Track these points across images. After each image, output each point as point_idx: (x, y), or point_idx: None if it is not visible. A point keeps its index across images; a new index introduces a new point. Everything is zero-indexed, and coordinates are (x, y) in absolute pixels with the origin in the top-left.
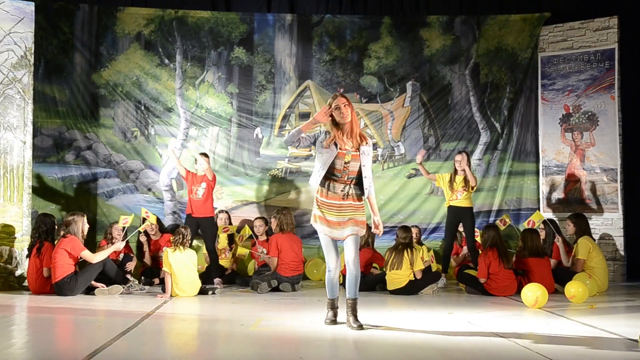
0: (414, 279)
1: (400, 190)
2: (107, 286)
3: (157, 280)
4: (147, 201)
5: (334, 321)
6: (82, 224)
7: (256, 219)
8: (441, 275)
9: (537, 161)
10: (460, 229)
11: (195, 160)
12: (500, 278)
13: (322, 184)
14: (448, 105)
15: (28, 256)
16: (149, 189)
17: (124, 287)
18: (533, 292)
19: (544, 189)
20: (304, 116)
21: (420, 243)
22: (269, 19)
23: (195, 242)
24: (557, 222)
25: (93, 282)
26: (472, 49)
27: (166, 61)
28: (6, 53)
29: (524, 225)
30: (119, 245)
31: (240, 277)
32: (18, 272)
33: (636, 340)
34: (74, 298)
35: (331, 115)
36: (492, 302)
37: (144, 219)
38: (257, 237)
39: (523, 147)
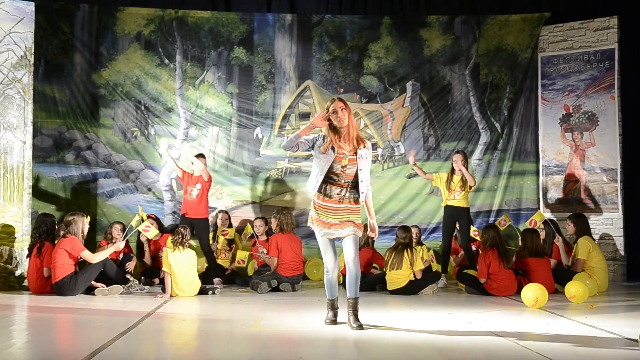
0: (414, 279)
1: (400, 190)
2: (107, 286)
3: (157, 280)
4: (147, 201)
5: (334, 321)
6: (82, 224)
7: (256, 219)
8: (441, 275)
9: (537, 161)
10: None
11: (192, 162)
12: (500, 278)
13: (319, 188)
14: (448, 105)
15: (28, 256)
16: (149, 189)
17: (124, 287)
18: (533, 292)
19: (544, 189)
20: (304, 116)
21: (420, 243)
22: (269, 19)
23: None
24: (557, 222)
25: (93, 282)
26: (472, 49)
27: (166, 61)
28: (6, 53)
29: (526, 224)
30: (119, 245)
31: (240, 277)
32: (18, 272)
33: (636, 340)
34: (74, 298)
35: (329, 120)
36: (492, 302)
37: (143, 219)
38: (257, 237)
39: (523, 147)
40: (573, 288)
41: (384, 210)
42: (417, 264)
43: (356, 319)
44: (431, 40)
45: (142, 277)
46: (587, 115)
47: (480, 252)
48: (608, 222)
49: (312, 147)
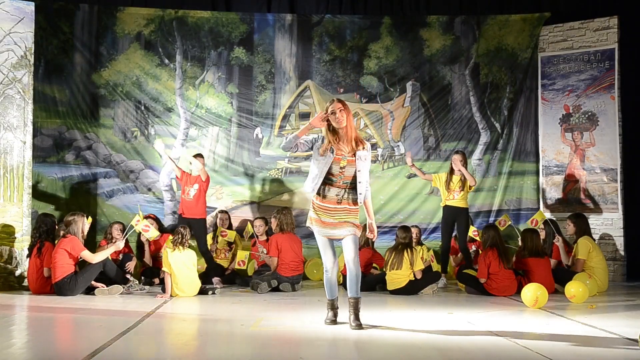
0: (414, 279)
1: (400, 190)
2: (107, 286)
3: (157, 280)
4: (147, 201)
5: (334, 321)
6: (82, 224)
7: (256, 219)
8: (441, 275)
9: (537, 161)
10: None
11: (190, 162)
12: (500, 278)
13: (318, 189)
14: (448, 105)
15: (28, 256)
16: (149, 189)
17: (124, 287)
18: (533, 292)
19: (544, 189)
20: (304, 116)
21: (420, 243)
22: (269, 19)
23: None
24: (557, 222)
25: (93, 282)
26: (472, 49)
27: (166, 61)
28: (6, 53)
29: (528, 224)
30: (119, 244)
31: (240, 277)
32: (18, 272)
33: (636, 340)
34: (74, 298)
35: (328, 120)
36: (492, 302)
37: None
38: (257, 237)
39: (523, 147)
40: (573, 288)
41: (384, 210)
42: (417, 264)
43: (356, 318)
44: (431, 40)
45: (142, 277)
46: (587, 115)
47: (480, 252)
48: (608, 222)
49: (312, 148)
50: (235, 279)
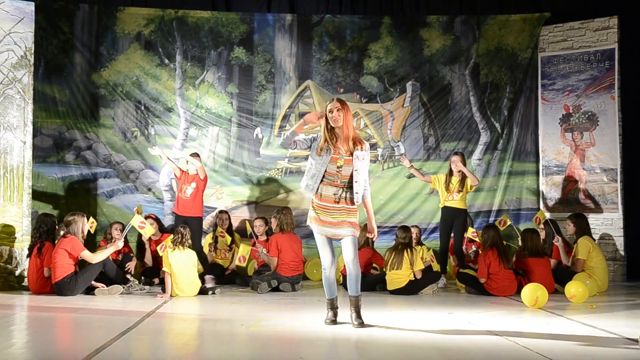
0: (414, 279)
1: (400, 190)
2: (107, 286)
3: (157, 280)
4: (147, 201)
5: (334, 321)
6: (82, 224)
7: (256, 219)
8: (441, 275)
9: (537, 161)
10: None
11: (186, 161)
12: (500, 278)
13: (316, 188)
14: (448, 105)
15: (29, 256)
16: (149, 189)
17: (124, 287)
18: (533, 292)
19: (544, 189)
20: (304, 116)
21: (420, 243)
22: (269, 19)
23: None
24: (557, 222)
25: (93, 282)
26: (472, 49)
27: (166, 61)
28: (6, 53)
29: (533, 222)
30: (119, 244)
31: (240, 277)
32: (18, 272)
33: (636, 340)
34: (74, 298)
35: (326, 119)
36: (492, 302)
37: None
38: (257, 237)
39: (523, 147)
40: (573, 288)
41: (384, 210)
42: (417, 264)
43: (358, 316)
44: (431, 40)
45: (142, 277)
46: (587, 115)
47: (480, 252)
48: (608, 222)
49: (310, 147)
50: (235, 279)
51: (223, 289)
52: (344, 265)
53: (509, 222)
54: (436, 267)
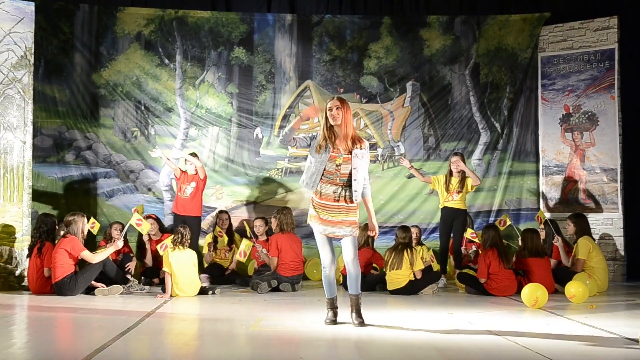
0: (414, 279)
1: (400, 190)
2: (107, 286)
3: (157, 280)
4: (147, 201)
5: (334, 321)
6: (82, 224)
7: (256, 219)
8: (441, 275)
9: (537, 161)
10: None
11: (185, 161)
12: (500, 278)
13: (316, 186)
14: (448, 105)
15: (29, 256)
16: (149, 189)
17: (124, 287)
18: (533, 292)
19: (544, 189)
20: (302, 111)
21: (420, 243)
22: (269, 19)
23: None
24: (557, 222)
25: (93, 282)
26: (472, 49)
27: (166, 61)
28: (6, 53)
29: (535, 220)
30: (118, 244)
31: (240, 277)
32: (18, 272)
33: (636, 340)
34: (74, 298)
35: (326, 117)
36: (492, 302)
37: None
38: (257, 237)
39: (523, 147)
40: (573, 288)
41: (384, 210)
42: (417, 264)
43: (358, 315)
44: (431, 40)
45: (142, 277)
46: (587, 115)
47: (480, 252)
48: (608, 222)
49: (310, 145)
50: (235, 279)
51: (223, 289)
52: (344, 266)
53: (509, 222)
54: (436, 267)
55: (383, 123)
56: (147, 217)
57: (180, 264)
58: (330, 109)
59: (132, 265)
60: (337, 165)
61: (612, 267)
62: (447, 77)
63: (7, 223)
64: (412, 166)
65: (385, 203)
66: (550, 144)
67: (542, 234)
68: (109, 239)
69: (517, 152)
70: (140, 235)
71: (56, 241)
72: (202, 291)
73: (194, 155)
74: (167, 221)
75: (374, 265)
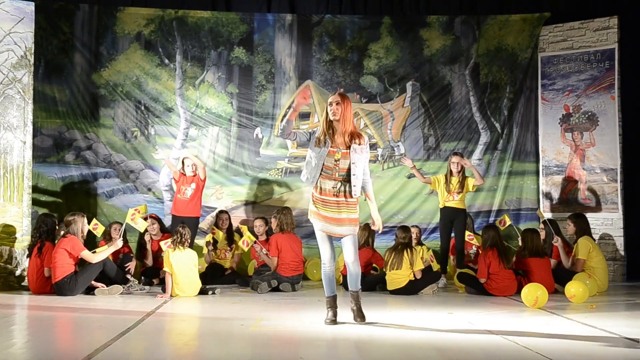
0: (414, 279)
1: (400, 190)
2: (107, 286)
3: (157, 280)
4: (147, 201)
5: (334, 321)
6: (82, 224)
7: (256, 219)
8: (441, 276)
9: (537, 161)
10: None
11: (183, 161)
12: (500, 278)
13: (316, 181)
14: (448, 105)
15: (29, 256)
16: (149, 189)
17: (124, 287)
18: (533, 292)
19: (544, 189)
20: (304, 116)
21: (420, 243)
22: (269, 19)
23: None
24: (557, 222)
25: (93, 282)
26: (472, 49)
27: (166, 61)
28: (6, 53)
29: (538, 215)
30: (118, 243)
31: (240, 277)
32: (18, 272)
33: (637, 340)
34: (74, 298)
35: (327, 112)
36: (492, 302)
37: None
38: (257, 237)
39: (523, 147)
40: (573, 288)
41: (384, 210)
42: (417, 264)
43: (359, 311)
44: (431, 40)
45: (142, 277)
46: (587, 115)
47: (480, 252)
48: (608, 222)
49: (309, 139)
50: (235, 279)
51: (223, 289)
52: (344, 266)
53: (509, 222)
54: (436, 267)
55: (383, 123)
56: (147, 218)
57: (181, 264)
58: (331, 104)
59: (132, 265)
60: (335, 160)
61: (612, 267)
62: (447, 77)
63: (7, 223)
64: (414, 166)
65: (385, 203)
66: (550, 144)
67: (542, 234)
68: (108, 239)
69: (517, 152)
70: (141, 235)
71: (56, 241)
72: (202, 291)
73: (188, 158)
74: (167, 221)
75: (374, 265)
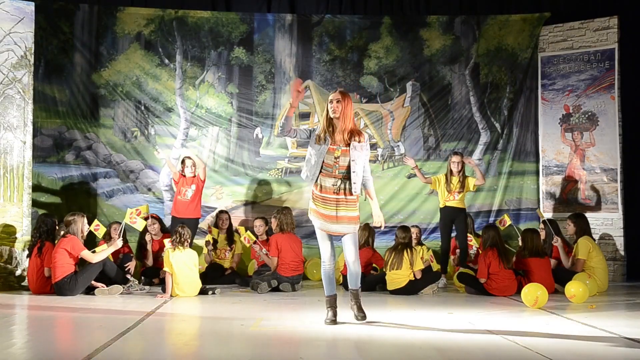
0: (414, 279)
1: (400, 190)
2: (107, 286)
3: (157, 280)
4: (147, 201)
5: (334, 321)
6: (82, 224)
7: (256, 219)
8: (441, 276)
9: (537, 161)
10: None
11: (183, 161)
12: (500, 278)
13: (316, 179)
14: (448, 105)
15: (29, 256)
16: (149, 189)
17: (124, 287)
18: (533, 292)
19: (544, 189)
20: (304, 116)
21: (420, 243)
22: (269, 19)
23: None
24: (556, 222)
25: (93, 282)
26: (472, 49)
27: (166, 61)
28: (6, 53)
29: (539, 213)
30: (118, 243)
31: (240, 277)
32: (18, 272)
33: (638, 341)
34: (74, 298)
35: (327, 109)
36: (492, 302)
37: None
38: (257, 237)
39: (523, 147)
40: (573, 288)
41: (384, 210)
42: (417, 264)
43: (360, 309)
44: (431, 40)
45: (142, 277)
46: (587, 115)
47: (480, 252)
48: (608, 222)
49: (309, 137)
50: (235, 279)
51: (223, 289)
52: (344, 265)
53: (509, 222)
54: (436, 267)
55: (383, 123)
56: (148, 217)
57: (181, 264)
58: (331, 101)
59: (131, 265)
60: (335, 158)
61: (612, 267)
62: (447, 77)
63: (7, 223)
64: (416, 166)
65: (385, 203)
66: (550, 144)
67: (542, 234)
68: (108, 239)
69: (517, 152)
70: (141, 235)
71: (56, 241)
72: (202, 291)
73: (189, 158)
74: (167, 221)
75: (374, 265)
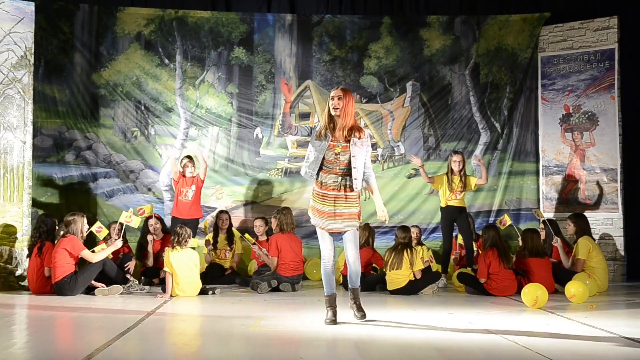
0: (414, 279)
1: (400, 190)
2: (107, 286)
3: (157, 280)
4: (147, 201)
5: (333, 321)
6: (82, 224)
7: (256, 219)
8: (441, 275)
9: (537, 161)
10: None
11: (182, 161)
12: (500, 278)
13: (316, 176)
14: (448, 105)
15: (29, 256)
16: (149, 189)
17: (124, 287)
18: (533, 292)
19: (544, 189)
20: (304, 116)
21: (420, 243)
22: (269, 19)
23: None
24: (556, 222)
25: (93, 282)
26: (472, 49)
27: (166, 61)
28: (6, 53)
29: (534, 214)
30: (117, 243)
31: (240, 277)
32: (18, 272)
33: (638, 340)
34: (74, 298)
35: (329, 105)
36: (492, 302)
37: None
38: (257, 237)
39: (523, 147)
40: (573, 288)
41: None
42: (417, 264)
43: (359, 308)
44: (431, 40)
45: (142, 277)
46: (587, 115)
47: (480, 252)
48: (608, 222)
49: (310, 134)
50: (235, 279)
51: (223, 289)
52: (344, 265)
53: (509, 222)
54: (435, 267)
55: (383, 123)
56: (151, 217)
57: (181, 264)
58: (332, 98)
59: (131, 265)
60: (336, 154)
61: (612, 267)
62: (447, 77)
63: (7, 223)
64: (422, 165)
65: (385, 203)
66: (550, 144)
67: (542, 234)
68: (108, 238)
69: (517, 152)
70: (142, 235)
71: (56, 241)
72: (202, 291)
73: (188, 158)
74: (168, 221)
75: (374, 265)
